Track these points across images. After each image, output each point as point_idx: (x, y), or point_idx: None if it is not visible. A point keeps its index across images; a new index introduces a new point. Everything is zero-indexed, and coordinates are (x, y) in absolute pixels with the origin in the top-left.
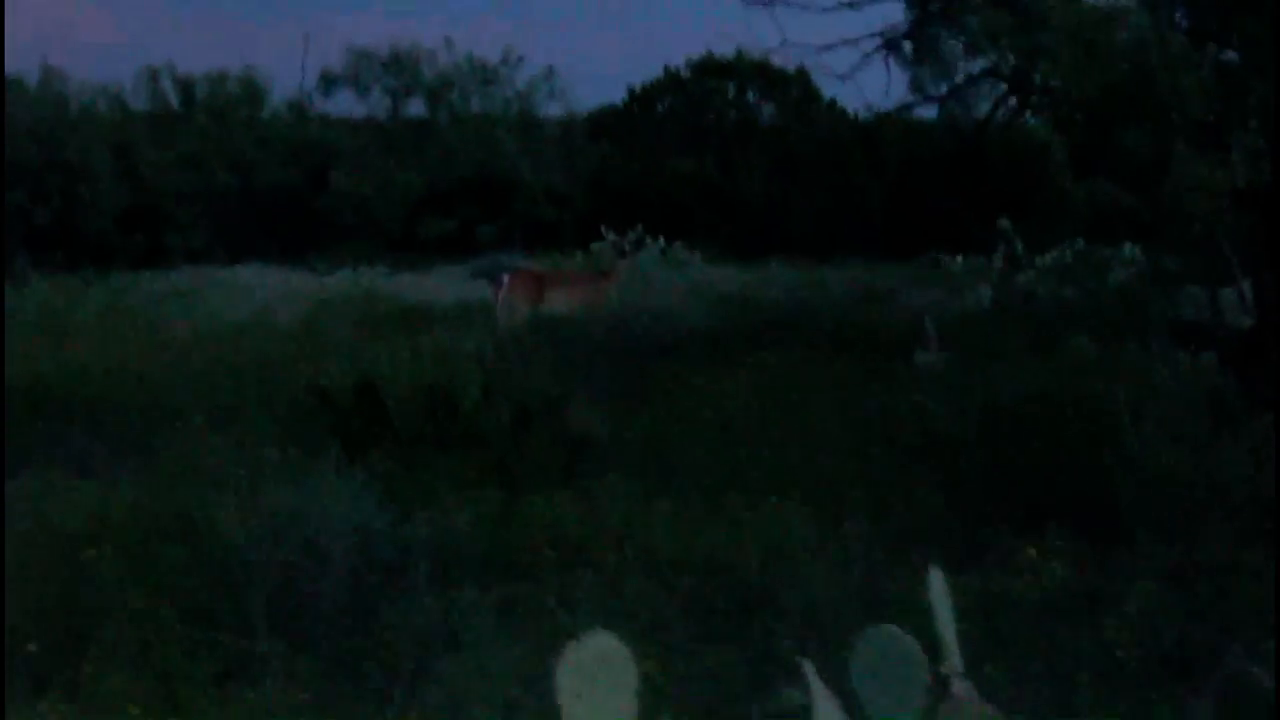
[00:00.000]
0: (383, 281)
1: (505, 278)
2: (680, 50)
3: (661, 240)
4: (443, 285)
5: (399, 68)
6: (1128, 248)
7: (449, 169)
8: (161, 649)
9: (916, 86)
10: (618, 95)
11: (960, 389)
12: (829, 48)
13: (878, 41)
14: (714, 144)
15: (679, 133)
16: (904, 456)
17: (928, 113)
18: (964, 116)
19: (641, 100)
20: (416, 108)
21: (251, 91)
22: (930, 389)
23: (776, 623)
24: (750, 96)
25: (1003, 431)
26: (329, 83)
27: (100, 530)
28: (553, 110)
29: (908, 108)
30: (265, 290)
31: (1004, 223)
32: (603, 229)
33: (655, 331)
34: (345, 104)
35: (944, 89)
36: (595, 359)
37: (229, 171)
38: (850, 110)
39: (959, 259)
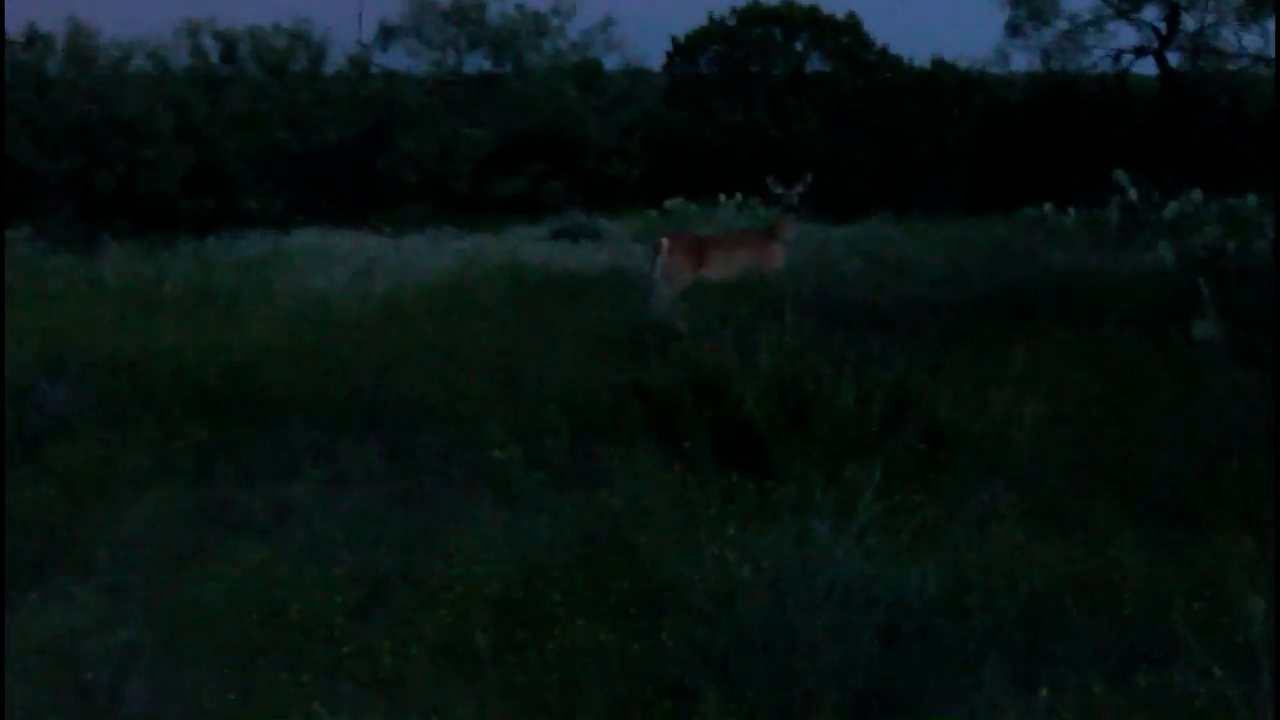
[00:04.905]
0: (453, 244)
1: (665, 242)
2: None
3: (739, 196)
4: (538, 247)
5: (461, 18)
6: (1251, 198)
7: (515, 124)
8: None
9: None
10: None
11: None
12: None
13: None
14: (762, 94)
15: (726, 84)
16: None
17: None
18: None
19: (684, 50)
20: (476, 62)
21: (307, 45)
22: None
23: None
24: (798, 45)
25: None
26: (387, 35)
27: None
28: (611, 63)
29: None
30: (360, 257)
31: (1120, 174)
32: (769, 180)
33: (866, 303)
34: (402, 59)
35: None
36: (834, 335)
37: (288, 130)
38: (906, 58)
39: (1070, 212)
